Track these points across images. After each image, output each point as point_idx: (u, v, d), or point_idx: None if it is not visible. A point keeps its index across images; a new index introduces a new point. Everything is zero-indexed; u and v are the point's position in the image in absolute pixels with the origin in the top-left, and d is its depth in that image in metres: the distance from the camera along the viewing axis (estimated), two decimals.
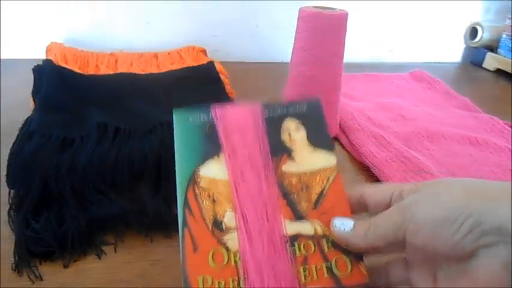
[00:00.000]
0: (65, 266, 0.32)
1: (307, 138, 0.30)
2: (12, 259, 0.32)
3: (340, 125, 0.57)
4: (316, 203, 0.28)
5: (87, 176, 0.40)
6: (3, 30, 0.76)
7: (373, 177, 0.48)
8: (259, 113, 0.31)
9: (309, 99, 0.32)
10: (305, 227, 0.27)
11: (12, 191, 0.39)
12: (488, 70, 0.95)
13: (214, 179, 0.28)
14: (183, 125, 0.30)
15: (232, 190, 0.28)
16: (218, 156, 0.29)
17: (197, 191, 0.28)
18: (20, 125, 0.48)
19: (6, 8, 0.75)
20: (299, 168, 0.29)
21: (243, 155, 0.29)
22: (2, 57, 0.76)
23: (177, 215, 0.37)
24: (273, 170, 0.29)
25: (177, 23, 0.83)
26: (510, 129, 0.60)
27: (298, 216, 0.28)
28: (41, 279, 0.31)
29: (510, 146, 0.54)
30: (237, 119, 0.31)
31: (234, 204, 0.28)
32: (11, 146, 0.44)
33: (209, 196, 0.28)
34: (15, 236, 0.34)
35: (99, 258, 0.34)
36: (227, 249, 0.26)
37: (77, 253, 0.33)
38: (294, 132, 0.31)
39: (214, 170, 0.29)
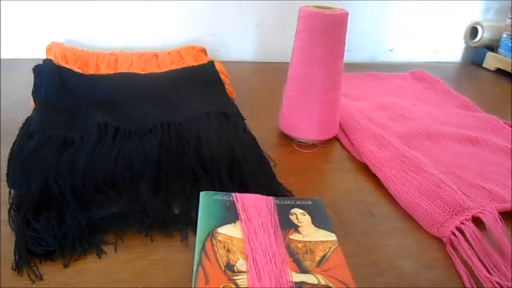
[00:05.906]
0: (65, 266, 0.32)
1: (312, 222, 0.36)
2: (12, 259, 0.32)
3: (340, 125, 0.57)
4: (319, 263, 0.31)
5: (87, 176, 0.40)
6: (3, 30, 0.76)
7: (373, 177, 0.48)
8: (272, 199, 0.38)
9: (312, 198, 0.39)
10: (309, 278, 0.30)
11: (12, 191, 0.39)
12: (489, 70, 0.95)
13: (230, 236, 0.33)
14: (207, 200, 0.37)
15: (246, 243, 0.32)
16: (235, 223, 0.35)
17: (214, 242, 0.32)
18: (20, 125, 0.48)
19: (6, 8, 0.75)
20: (305, 239, 0.34)
21: (257, 222, 0.35)
22: (2, 57, 0.76)
23: (177, 214, 0.38)
24: (282, 236, 0.34)
25: (177, 23, 0.83)
26: (510, 129, 0.60)
27: (303, 270, 0.31)
28: (41, 279, 0.31)
29: (510, 146, 0.54)
30: (253, 201, 0.37)
31: (246, 253, 0.31)
32: (11, 145, 0.44)
33: (224, 247, 0.32)
34: (15, 236, 0.34)
35: (99, 258, 0.34)
36: (237, 286, 0.29)
37: (77, 253, 0.33)
38: (301, 216, 0.36)
39: (230, 231, 0.34)
